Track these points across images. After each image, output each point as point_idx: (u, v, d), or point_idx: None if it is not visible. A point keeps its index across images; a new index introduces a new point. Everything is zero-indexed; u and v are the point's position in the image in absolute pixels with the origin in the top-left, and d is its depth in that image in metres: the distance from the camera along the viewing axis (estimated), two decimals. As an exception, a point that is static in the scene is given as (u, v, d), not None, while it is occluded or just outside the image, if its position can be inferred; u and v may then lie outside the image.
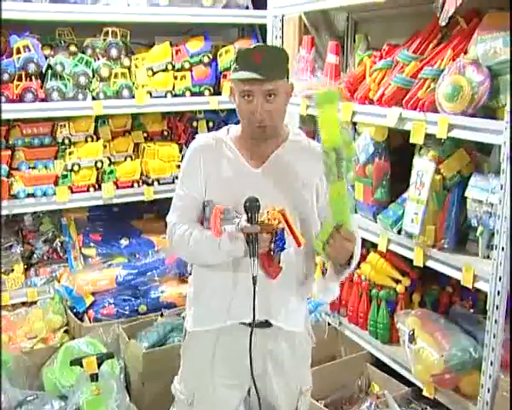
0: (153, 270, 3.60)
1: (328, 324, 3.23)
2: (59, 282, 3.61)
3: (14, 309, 3.56)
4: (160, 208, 4.04)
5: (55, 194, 3.47)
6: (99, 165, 3.61)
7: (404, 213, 2.68)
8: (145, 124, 3.99)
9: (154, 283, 3.61)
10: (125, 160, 3.77)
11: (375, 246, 2.91)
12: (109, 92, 3.53)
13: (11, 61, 3.27)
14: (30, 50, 3.29)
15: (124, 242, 3.78)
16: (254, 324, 1.98)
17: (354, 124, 2.99)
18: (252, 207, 1.90)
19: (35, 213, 3.80)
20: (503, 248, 2.17)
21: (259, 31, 4.07)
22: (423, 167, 2.57)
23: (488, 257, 2.35)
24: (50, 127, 3.59)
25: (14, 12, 3.16)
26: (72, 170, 3.53)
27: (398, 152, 2.89)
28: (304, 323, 2.22)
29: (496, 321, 2.24)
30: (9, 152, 3.45)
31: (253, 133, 2.04)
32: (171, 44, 3.80)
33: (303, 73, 3.34)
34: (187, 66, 3.76)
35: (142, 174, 3.78)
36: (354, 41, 3.41)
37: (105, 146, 3.70)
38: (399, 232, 2.71)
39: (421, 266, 2.60)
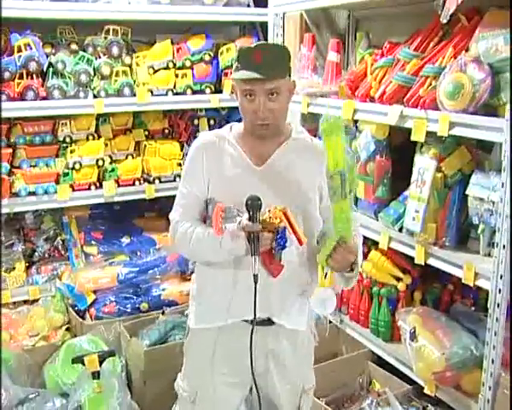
0: (154, 268, 3.60)
1: (330, 322, 3.23)
2: (60, 280, 3.61)
3: (16, 307, 3.56)
4: (161, 206, 4.04)
5: (56, 192, 3.46)
6: (100, 163, 3.61)
7: (405, 211, 2.68)
8: (146, 122, 3.98)
9: (156, 281, 3.61)
10: (127, 158, 3.76)
11: (376, 244, 2.91)
12: (110, 90, 3.52)
13: (12, 59, 3.27)
14: (31, 49, 3.28)
15: (125, 240, 3.78)
16: (256, 322, 1.98)
17: (355, 122, 2.99)
18: (253, 205, 1.90)
19: (36, 211, 3.80)
20: (504, 246, 2.17)
21: (260, 29, 4.06)
22: (424, 165, 2.57)
23: (489, 255, 2.35)
24: (51, 125, 3.58)
25: (14, 10, 3.16)
26: (73, 168, 3.52)
27: (399, 150, 2.89)
28: (306, 321, 2.21)
29: (497, 319, 2.24)
30: (11, 150, 3.45)
31: (256, 132, 2.04)
32: (172, 42, 3.79)
33: (304, 70, 3.34)
34: (188, 64, 3.76)
35: (143, 172, 3.78)
36: (355, 39, 3.41)
37: (106, 144, 3.69)
38: (400, 230, 2.71)
39: (423, 263, 2.60)
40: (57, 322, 3.48)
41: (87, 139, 3.64)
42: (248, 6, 3.93)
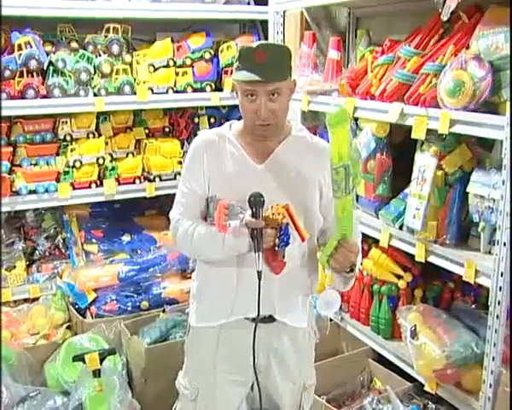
0: (155, 266, 3.60)
1: (330, 319, 3.23)
2: (61, 278, 3.62)
3: (17, 306, 3.56)
4: (161, 205, 4.04)
5: (56, 190, 3.47)
6: (101, 161, 3.61)
7: (405, 208, 2.68)
8: (147, 120, 3.98)
9: (156, 279, 3.61)
10: (127, 156, 3.76)
11: (376, 241, 2.91)
12: (111, 89, 3.52)
13: (12, 57, 3.27)
14: (31, 47, 3.28)
15: (125, 238, 3.79)
16: (258, 319, 1.98)
17: (356, 119, 2.98)
18: (256, 202, 1.91)
19: (37, 209, 3.80)
20: (504, 244, 2.17)
21: (261, 26, 4.06)
22: (425, 163, 2.57)
23: (490, 252, 2.35)
24: (52, 124, 3.59)
25: (15, 8, 3.16)
26: (73, 166, 3.53)
27: (399, 148, 2.89)
28: (307, 319, 2.22)
29: (497, 316, 2.24)
30: (11, 149, 3.45)
31: (256, 132, 2.04)
32: (172, 40, 3.79)
33: (304, 68, 3.34)
34: (188, 62, 3.76)
35: (143, 170, 3.78)
36: (356, 37, 3.41)
37: (106, 142, 3.70)
38: (401, 228, 2.71)
39: (423, 261, 2.60)
40: (58, 320, 3.48)
41: (87, 137, 3.64)
42: (249, 4, 3.92)
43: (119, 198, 3.74)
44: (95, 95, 3.50)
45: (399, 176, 2.83)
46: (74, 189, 3.54)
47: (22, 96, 3.27)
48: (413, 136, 2.52)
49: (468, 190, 2.41)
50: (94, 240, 3.73)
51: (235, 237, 1.95)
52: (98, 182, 3.62)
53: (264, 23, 3.89)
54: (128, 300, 3.51)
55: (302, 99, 3.25)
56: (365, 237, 2.97)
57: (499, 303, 2.23)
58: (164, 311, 3.43)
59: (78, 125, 3.62)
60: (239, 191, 1.98)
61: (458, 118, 2.30)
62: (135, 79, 3.62)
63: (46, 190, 3.44)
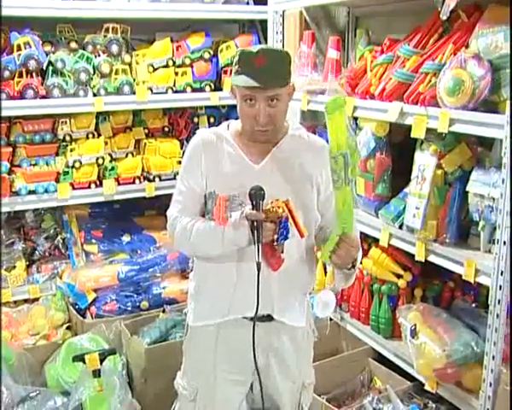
0: (154, 266, 3.60)
1: (330, 319, 3.24)
2: (61, 278, 3.61)
3: (17, 306, 3.56)
4: (161, 205, 4.02)
5: (56, 191, 3.47)
6: (100, 161, 3.61)
7: (405, 207, 2.68)
8: (146, 120, 3.98)
9: (156, 279, 3.61)
10: (127, 156, 3.76)
11: (376, 241, 2.90)
12: (110, 89, 3.52)
13: (12, 57, 3.26)
14: (30, 47, 3.28)
15: (125, 238, 3.78)
16: (257, 314, 1.98)
17: (355, 119, 2.98)
18: (257, 195, 1.91)
19: (36, 209, 3.80)
20: (504, 243, 2.17)
21: (260, 26, 4.06)
22: (425, 162, 2.57)
23: (490, 251, 2.35)
24: (51, 124, 3.58)
25: (14, 9, 3.16)
26: (73, 167, 3.53)
27: (399, 147, 2.89)
28: (306, 318, 2.22)
29: (497, 315, 2.24)
30: (10, 149, 3.45)
31: (254, 136, 2.05)
32: (171, 40, 3.79)
33: (304, 68, 3.34)
34: (188, 62, 3.75)
35: (143, 171, 3.78)
36: (355, 36, 3.41)
37: (106, 143, 3.69)
38: (401, 227, 2.71)
39: (423, 260, 2.60)
40: (58, 321, 3.48)
41: (87, 138, 3.64)
42: (248, 4, 3.92)
43: (119, 198, 3.74)
44: (94, 95, 3.50)
45: (399, 175, 2.83)
46: (74, 189, 3.54)
47: (21, 96, 3.27)
48: (413, 135, 2.52)
49: (467, 188, 2.41)
50: (94, 240, 3.73)
51: (234, 229, 1.94)
52: (98, 182, 3.62)
53: (264, 23, 3.89)
54: (128, 300, 3.51)
55: (301, 98, 3.25)
56: (365, 236, 2.97)
57: (499, 302, 2.23)
58: (164, 311, 3.43)
59: (77, 126, 3.62)
60: (236, 191, 2.00)
61: (458, 117, 2.30)
62: (134, 79, 3.62)
63: (46, 191, 3.44)
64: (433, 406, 2.72)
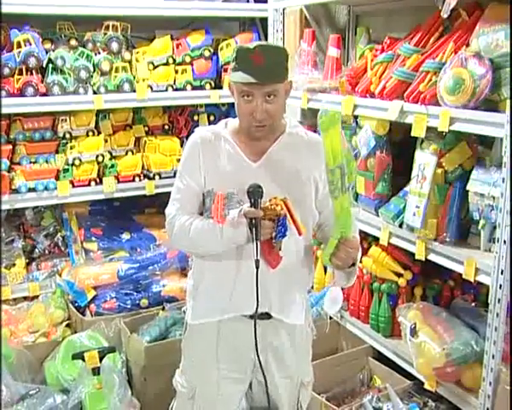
0: (154, 264, 3.60)
1: (330, 318, 3.23)
2: (60, 276, 3.61)
3: (16, 304, 3.56)
4: (161, 203, 4.00)
5: (56, 188, 3.47)
6: (100, 159, 3.61)
7: (405, 206, 2.68)
8: (146, 118, 3.98)
9: (156, 277, 3.61)
10: (126, 154, 3.76)
11: (376, 240, 2.90)
12: (110, 86, 3.52)
13: (12, 55, 3.27)
14: (30, 44, 3.28)
15: (125, 236, 3.79)
16: (257, 311, 1.98)
17: (355, 117, 2.98)
18: (255, 192, 1.92)
19: (36, 207, 3.80)
20: (504, 242, 2.17)
21: (260, 24, 4.06)
22: (425, 161, 2.56)
23: (490, 250, 2.35)
24: (51, 121, 3.58)
25: (14, 6, 3.15)
26: (73, 164, 3.53)
27: (399, 146, 2.89)
28: (304, 315, 2.22)
29: (497, 314, 2.24)
30: (10, 146, 3.45)
31: (252, 132, 2.05)
32: (171, 38, 3.79)
33: (304, 66, 3.33)
34: (188, 59, 3.75)
35: (143, 168, 3.78)
36: (355, 34, 3.41)
37: (106, 140, 3.70)
38: (401, 226, 2.71)
39: (423, 259, 2.60)
40: (57, 318, 3.48)
41: (87, 135, 3.64)
42: (248, 1, 3.92)
43: (119, 196, 3.74)
44: (94, 92, 3.50)
45: (399, 174, 2.83)
46: (74, 187, 3.54)
47: (21, 93, 3.27)
48: (413, 134, 2.52)
49: (468, 187, 2.41)
50: (93, 238, 3.73)
51: (233, 227, 1.95)
52: (98, 180, 3.62)
53: (264, 21, 3.88)
54: (127, 298, 3.51)
55: (302, 97, 3.24)
56: (365, 234, 2.97)
57: (499, 301, 2.22)
58: (163, 309, 3.44)
59: (77, 123, 3.62)
60: (235, 189, 2.01)
61: (458, 116, 2.30)
62: (134, 77, 3.62)
63: (45, 188, 3.44)
64: (433, 404, 2.72)
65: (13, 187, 3.37)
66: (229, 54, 3.76)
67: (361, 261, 3.01)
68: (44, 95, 3.34)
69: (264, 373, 2.08)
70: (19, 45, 3.28)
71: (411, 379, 2.82)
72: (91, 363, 2.79)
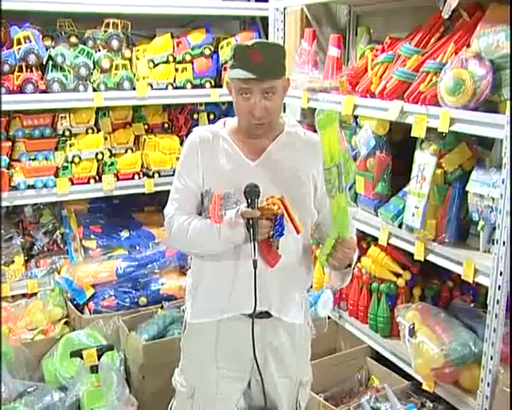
0: (153, 262, 3.60)
1: (329, 317, 3.23)
2: (59, 274, 3.61)
3: (15, 301, 3.56)
4: (160, 201, 4.00)
5: (55, 185, 3.46)
6: (99, 157, 3.61)
7: (404, 206, 2.68)
8: (146, 116, 3.98)
9: (155, 275, 3.61)
10: (126, 152, 3.76)
11: (375, 240, 2.90)
12: (110, 84, 3.52)
13: (11, 52, 3.26)
14: (30, 41, 3.27)
15: (124, 234, 3.78)
16: (255, 311, 1.99)
17: (355, 117, 2.98)
18: (252, 192, 1.92)
19: (35, 204, 3.79)
20: (504, 243, 2.17)
21: (261, 23, 4.06)
22: (425, 161, 2.56)
23: (489, 251, 2.35)
24: (51, 119, 3.57)
25: (14, 3, 3.15)
26: (72, 162, 3.52)
27: (399, 146, 2.89)
28: (303, 315, 2.23)
29: (496, 315, 2.24)
30: (10, 143, 3.44)
31: (250, 130, 2.05)
32: (172, 36, 3.78)
33: (304, 65, 3.33)
34: (188, 58, 3.75)
35: (142, 166, 3.77)
36: (356, 34, 3.40)
37: (106, 138, 3.69)
38: (400, 226, 2.71)
39: (422, 260, 2.60)
40: (56, 316, 3.48)
41: (86, 133, 3.63)
42: (249, 0, 3.92)
43: (118, 194, 3.73)
44: (94, 90, 3.49)
45: (399, 174, 2.83)
46: (73, 184, 3.53)
47: (21, 90, 3.26)
48: (413, 134, 2.51)
49: (467, 188, 2.41)
50: (92, 236, 3.73)
51: (230, 227, 1.95)
52: (97, 177, 3.62)
53: (265, 20, 3.88)
54: (126, 296, 3.51)
55: (302, 96, 3.24)
56: (364, 234, 2.97)
57: (498, 302, 2.22)
58: (162, 307, 3.44)
59: (77, 121, 3.61)
60: (233, 188, 2.01)
61: (458, 116, 2.30)
62: (134, 75, 3.61)
63: (45, 185, 3.44)
64: (431, 405, 2.72)
65: (12, 184, 3.37)
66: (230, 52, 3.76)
67: (360, 261, 3.02)
68: (44, 92, 3.33)
69: (260, 373, 2.08)
70: (19, 42, 3.27)
71: (409, 379, 2.82)
72: (89, 361, 2.79)
